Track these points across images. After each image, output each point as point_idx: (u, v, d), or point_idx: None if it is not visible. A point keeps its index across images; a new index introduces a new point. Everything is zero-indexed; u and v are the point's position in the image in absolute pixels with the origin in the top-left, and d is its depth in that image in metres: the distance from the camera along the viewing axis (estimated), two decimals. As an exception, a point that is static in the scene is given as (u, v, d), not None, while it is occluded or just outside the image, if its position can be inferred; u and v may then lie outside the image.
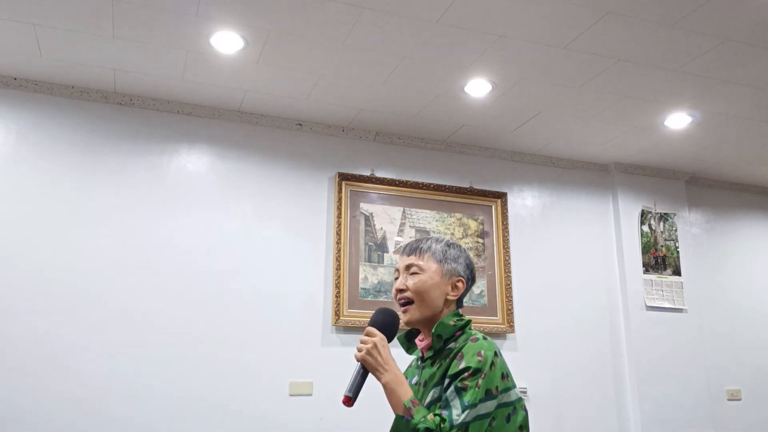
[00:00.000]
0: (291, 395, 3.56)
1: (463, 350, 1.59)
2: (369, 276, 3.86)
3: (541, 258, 4.34)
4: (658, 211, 4.65)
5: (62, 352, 3.22)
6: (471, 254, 4.06)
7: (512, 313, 4.10)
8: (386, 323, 1.68)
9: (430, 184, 4.13)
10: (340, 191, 3.90)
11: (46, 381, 3.16)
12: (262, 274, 3.66)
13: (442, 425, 1.48)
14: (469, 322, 1.71)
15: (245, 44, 3.10)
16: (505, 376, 1.60)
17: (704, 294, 4.71)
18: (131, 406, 3.27)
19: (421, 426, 1.48)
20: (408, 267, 1.74)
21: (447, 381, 1.56)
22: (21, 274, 3.24)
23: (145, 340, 3.36)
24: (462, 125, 4.02)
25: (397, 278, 1.77)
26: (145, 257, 3.46)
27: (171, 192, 3.61)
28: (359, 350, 1.62)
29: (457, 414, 1.49)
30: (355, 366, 1.63)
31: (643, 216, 4.60)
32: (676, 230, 4.66)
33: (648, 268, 4.50)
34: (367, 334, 1.64)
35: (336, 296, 3.72)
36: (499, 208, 4.27)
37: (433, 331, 1.67)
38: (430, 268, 1.72)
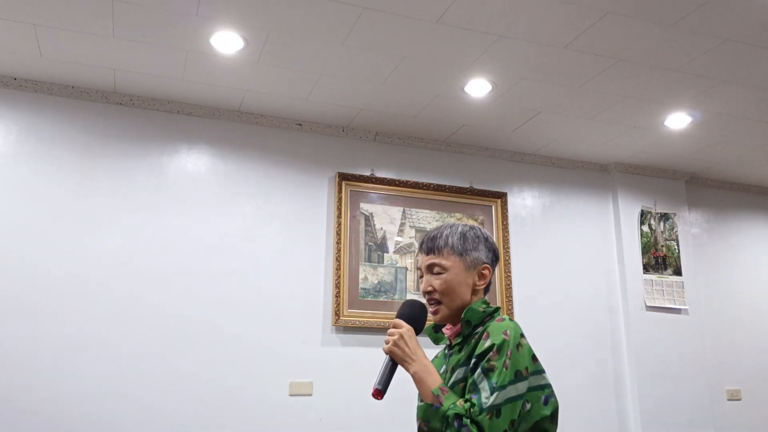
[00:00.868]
0: (291, 395, 3.56)
1: (488, 329, 1.56)
2: (369, 276, 3.86)
3: (541, 258, 4.34)
4: (658, 211, 4.65)
5: (62, 352, 3.22)
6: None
7: (512, 313, 4.10)
8: (413, 315, 1.67)
9: (430, 184, 4.13)
10: (340, 191, 3.90)
11: (46, 381, 3.16)
12: (262, 274, 3.66)
13: (471, 410, 1.44)
14: (497, 309, 1.68)
15: (245, 44, 3.10)
16: (535, 358, 1.56)
17: (704, 294, 4.71)
18: (131, 405, 3.27)
19: (451, 412, 1.45)
20: (430, 267, 1.69)
21: (474, 361, 1.53)
22: (21, 274, 3.24)
23: (144, 339, 3.36)
24: (462, 125, 4.02)
25: (421, 276, 1.73)
26: (145, 257, 3.46)
27: (171, 192, 3.61)
28: (387, 342, 1.61)
29: (486, 397, 1.45)
30: (383, 359, 1.62)
31: (643, 216, 4.60)
32: (676, 230, 4.66)
33: (648, 268, 4.50)
34: (394, 326, 1.63)
35: (336, 296, 3.72)
36: (499, 208, 4.27)
37: (462, 316, 1.64)
38: (452, 264, 1.67)
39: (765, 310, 4.92)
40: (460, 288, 1.67)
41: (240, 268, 3.63)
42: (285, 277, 3.71)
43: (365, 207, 3.97)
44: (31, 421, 3.10)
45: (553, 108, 3.79)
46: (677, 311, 4.49)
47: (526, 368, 1.52)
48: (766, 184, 5.15)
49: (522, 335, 1.56)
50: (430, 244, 1.71)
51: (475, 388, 1.48)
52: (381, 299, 3.84)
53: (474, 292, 1.69)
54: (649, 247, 4.54)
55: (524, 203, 4.41)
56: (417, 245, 1.87)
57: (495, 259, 1.74)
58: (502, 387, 1.46)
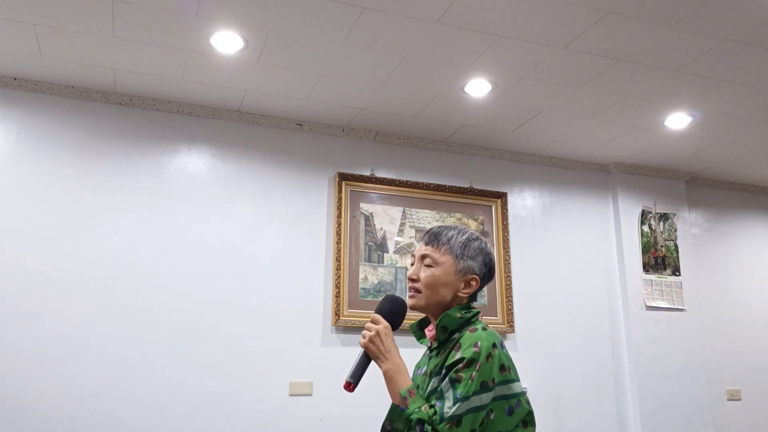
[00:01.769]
0: (291, 395, 3.56)
1: (461, 341, 1.57)
2: (369, 276, 3.86)
3: (541, 258, 4.34)
4: (658, 211, 4.65)
5: (62, 351, 3.22)
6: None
7: (512, 313, 4.10)
8: (393, 311, 1.68)
9: (430, 184, 4.13)
10: (340, 191, 3.90)
11: (46, 381, 3.16)
12: (262, 274, 3.66)
13: (433, 417, 1.48)
14: (476, 314, 1.68)
15: (245, 44, 3.10)
16: (506, 368, 1.56)
17: (704, 294, 4.71)
18: (131, 406, 3.27)
19: (414, 416, 1.48)
20: (423, 257, 1.70)
21: (444, 372, 1.56)
22: (21, 274, 3.24)
23: (145, 339, 3.36)
24: (462, 125, 4.02)
25: (412, 263, 1.75)
26: (145, 257, 3.46)
27: (171, 192, 3.61)
28: (363, 336, 1.63)
29: (448, 406, 1.48)
30: (358, 352, 1.64)
31: (643, 216, 4.60)
32: (676, 230, 4.66)
33: (648, 268, 4.50)
34: (373, 321, 1.64)
35: (336, 296, 3.72)
36: (499, 208, 4.27)
37: (437, 323, 1.66)
38: (444, 262, 1.68)
39: (765, 310, 4.92)
40: (444, 287, 1.67)
41: (240, 268, 3.63)
42: (285, 277, 3.71)
43: (365, 207, 3.97)
44: (31, 422, 3.10)
45: (553, 108, 3.79)
46: (677, 311, 4.49)
47: (493, 379, 1.52)
48: (766, 184, 5.15)
49: (494, 345, 1.55)
50: (433, 237, 1.72)
51: (441, 396, 1.51)
52: (381, 299, 3.83)
53: (456, 297, 1.69)
54: (649, 247, 4.54)
55: (524, 203, 4.41)
56: (417, 244, 1.85)
57: (488, 275, 1.74)
58: (466, 398, 1.48)
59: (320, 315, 3.72)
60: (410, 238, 4.01)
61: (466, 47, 3.14)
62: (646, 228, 4.58)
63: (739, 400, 4.62)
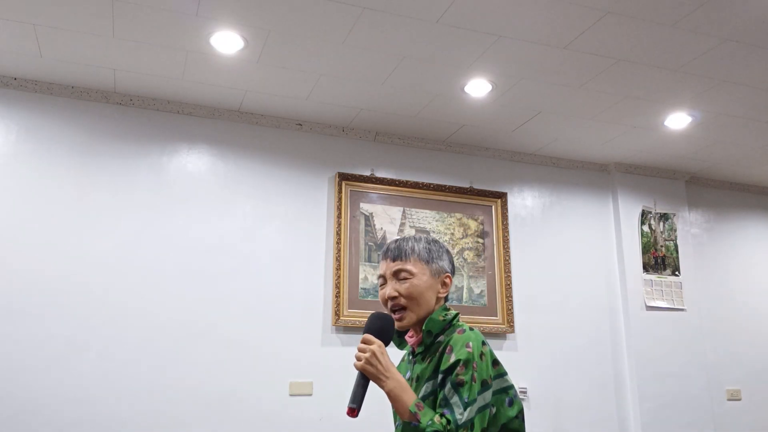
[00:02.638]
0: (291, 395, 3.56)
1: (451, 343, 1.59)
2: (369, 276, 3.86)
3: (541, 258, 4.34)
4: (658, 211, 4.65)
5: (62, 351, 3.22)
6: (471, 254, 4.10)
7: (512, 313, 4.10)
8: (383, 328, 1.66)
9: (430, 184, 4.13)
10: (340, 191, 3.90)
11: (46, 381, 3.16)
12: (262, 274, 3.66)
13: (448, 427, 1.49)
14: (456, 315, 1.71)
15: (245, 44, 3.10)
16: (496, 362, 1.62)
17: (704, 294, 4.71)
18: (131, 405, 3.27)
19: (429, 430, 1.49)
20: (396, 273, 1.70)
21: (441, 376, 1.57)
22: (21, 274, 3.24)
23: (145, 339, 3.36)
24: (462, 125, 4.02)
25: (382, 284, 1.74)
26: (145, 257, 3.46)
27: (171, 192, 3.61)
28: (358, 359, 1.60)
29: (459, 413, 1.50)
30: (355, 375, 1.61)
31: (643, 216, 4.60)
32: (676, 230, 4.66)
33: (648, 268, 4.50)
34: (364, 342, 1.62)
35: (336, 296, 3.72)
36: (499, 208, 4.27)
37: (423, 327, 1.67)
38: (419, 270, 1.70)
39: (765, 310, 4.92)
40: (427, 293, 1.69)
41: (240, 268, 3.63)
42: (285, 277, 3.71)
43: (365, 207, 3.97)
44: (31, 421, 3.10)
45: (553, 108, 3.79)
46: (677, 311, 4.49)
47: (490, 376, 1.58)
48: (766, 184, 5.15)
49: (483, 342, 1.60)
50: (396, 251, 1.73)
51: (447, 404, 1.52)
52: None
53: (437, 300, 1.72)
54: (648, 247, 4.54)
55: (524, 203, 4.41)
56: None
57: (454, 270, 1.79)
58: (473, 400, 1.51)
59: (320, 315, 3.72)
60: (410, 238, 4.00)
61: (466, 47, 3.14)
62: (646, 228, 4.58)
63: (739, 400, 4.62)
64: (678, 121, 3.92)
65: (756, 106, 3.74)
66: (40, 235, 3.31)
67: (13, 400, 3.10)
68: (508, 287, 4.13)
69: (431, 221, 4.10)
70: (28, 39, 3.07)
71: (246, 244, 3.68)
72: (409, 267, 1.70)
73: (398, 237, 1.80)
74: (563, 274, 4.36)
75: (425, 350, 1.69)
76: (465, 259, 4.11)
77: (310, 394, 3.59)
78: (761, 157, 4.53)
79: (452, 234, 4.12)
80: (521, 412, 1.64)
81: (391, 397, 1.58)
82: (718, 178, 4.99)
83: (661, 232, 4.61)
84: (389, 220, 4.00)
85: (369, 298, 3.81)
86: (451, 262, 1.78)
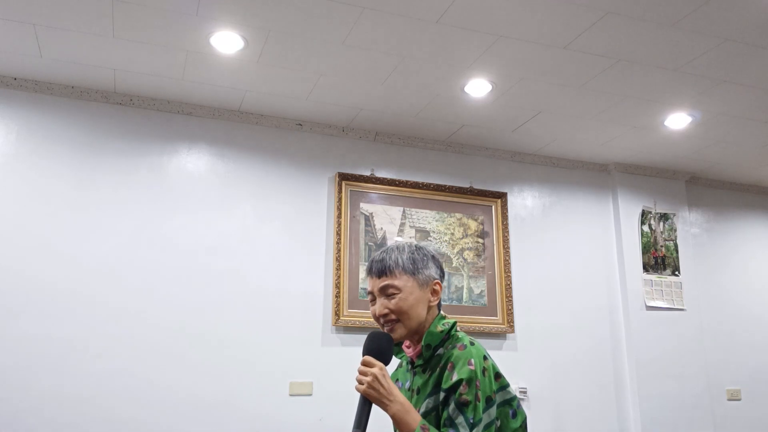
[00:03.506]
0: (291, 395, 3.56)
1: (452, 360, 1.57)
2: (369, 276, 3.85)
3: (541, 258, 4.34)
4: (658, 211, 4.65)
5: (62, 351, 3.22)
6: (471, 254, 4.09)
7: (512, 313, 4.10)
8: (381, 349, 1.63)
9: (430, 184, 4.13)
10: (340, 191, 3.90)
11: (45, 381, 3.16)
12: (262, 274, 3.66)
13: None
14: (454, 324, 1.69)
15: (245, 44, 3.10)
16: (498, 376, 1.61)
17: (704, 294, 4.71)
18: (131, 406, 3.27)
19: None
20: (383, 289, 1.68)
21: (443, 395, 1.55)
22: (21, 274, 3.24)
23: (145, 340, 3.36)
24: (462, 125, 4.02)
25: (372, 300, 1.72)
26: (145, 257, 3.46)
27: (171, 192, 3.61)
28: (360, 382, 1.58)
29: None
30: (357, 399, 1.59)
31: (643, 216, 4.60)
32: (675, 230, 4.66)
33: (648, 268, 4.50)
34: (365, 364, 1.59)
35: (336, 296, 3.72)
36: (499, 208, 4.27)
37: (422, 342, 1.66)
38: (406, 284, 1.67)
39: (765, 309, 4.92)
40: (417, 306, 1.67)
41: (240, 268, 3.63)
42: (285, 277, 3.71)
43: (365, 207, 3.97)
44: (31, 421, 3.10)
45: (553, 108, 3.79)
46: (677, 311, 4.49)
47: (494, 391, 1.57)
48: (766, 184, 5.15)
49: (485, 357, 1.59)
50: (379, 266, 1.71)
51: (453, 424, 1.51)
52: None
53: (428, 309, 1.69)
54: (648, 247, 4.54)
55: (524, 203, 4.41)
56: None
57: (443, 275, 1.76)
58: (479, 420, 1.51)
59: (320, 315, 3.72)
60: (410, 238, 4.01)
61: (466, 47, 3.14)
62: (646, 228, 4.57)
63: (739, 400, 4.62)
64: (678, 121, 3.92)
65: (756, 106, 3.74)
66: (39, 235, 3.31)
67: (13, 400, 3.10)
68: (508, 287, 4.13)
69: (431, 221, 4.10)
70: (28, 39, 3.06)
71: (246, 244, 3.68)
72: (396, 283, 1.67)
73: (382, 248, 1.77)
74: (563, 274, 4.36)
75: (425, 363, 1.68)
76: (465, 259, 4.11)
77: (310, 394, 3.59)
78: (761, 157, 4.53)
79: (452, 234, 4.12)
80: (525, 421, 1.64)
81: (396, 419, 1.55)
82: (718, 178, 4.99)
83: (661, 232, 4.61)
84: (389, 220, 4.00)
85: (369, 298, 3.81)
86: (439, 267, 1.75)
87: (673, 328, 4.44)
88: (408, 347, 1.74)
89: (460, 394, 1.52)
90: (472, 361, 1.55)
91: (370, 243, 3.92)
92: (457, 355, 1.57)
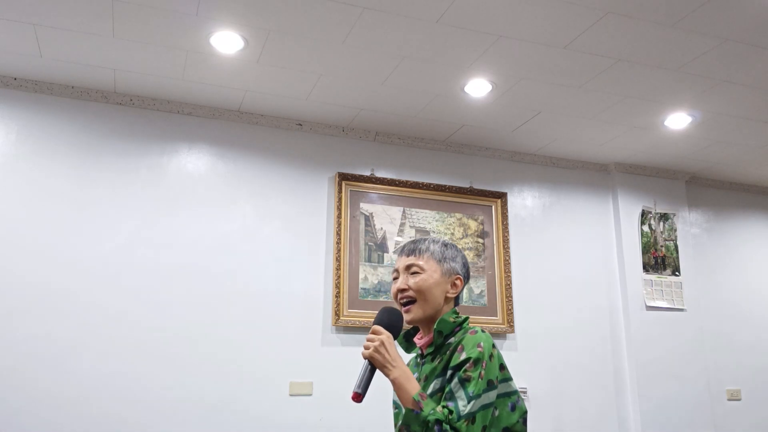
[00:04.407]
0: (291, 395, 3.56)
1: (463, 342, 1.64)
2: (369, 276, 3.86)
3: (541, 258, 4.34)
4: (658, 211, 4.65)
5: (61, 352, 3.22)
6: (471, 254, 4.09)
7: (512, 313, 4.10)
8: (392, 322, 1.72)
9: (430, 184, 4.13)
10: (340, 191, 3.90)
11: (44, 381, 3.16)
12: (262, 274, 3.66)
13: (450, 416, 1.53)
14: (467, 318, 1.77)
15: (245, 44, 3.10)
16: (503, 367, 1.66)
17: (704, 294, 4.71)
18: (130, 406, 3.27)
19: (431, 417, 1.52)
20: (408, 267, 1.79)
21: (450, 372, 1.61)
22: (20, 274, 3.24)
23: (144, 340, 3.36)
24: (462, 125, 4.02)
25: (395, 278, 1.82)
26: (145, 257, 3.46)
27: (171, 192, 3.61)
28: (366, 348, 1.66)
29: (463, 405, 1.54)
30: (362, 363, 1.66)
31: (643, 216, 4.60)
32: (675, 230, 4.66)
33: (648, 268, 4.50)
34: (373, 332, 1.68)
35: (336, 296, 3.72)
36: (499, 208, 4.27)
37: (435, 327, 1.73)
38: (430, 267, 1.77)
39: (765, 309, 4.92)
40: (435, 290, 1.76)
41: (240, 268, 3.63)
42: (285, 277, 3.71)
43: (365, 207, 3.97)
44: (30, 422, 3.10)
45: (553, 108, 3.79)
46: (677, 311, 4.49)
47: (497, 378, 1.61)
48: (766, 184, 5.15)
49: (493, 345, 1.65)
50: (411, 246, 1.83)
51: (452, 397, 1.57)
52: (381, 299, 3.84)
53: (446, 300, 1.78)
54: (648, 247, 4.54)
55: (524, 203, 4.41)
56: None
57: (467, 275, 1.86)
58: (478, 396, 1.56)
59: (320, 315, 3.72)
60: (410, 238, 4.01)
61: (466, 47, 3.14)
62: (646, 228, 4.58)
63: (739, 400, 4.62)
64: (678, 121, 3.92)
65: (756, 106, 3.74)
66: (39, 235, 3.31)
67: (13, 400, 3.10)
68: (508, 287, 4.13)
69: (431, 221, 4.10)
70: (28, 39, 3.07)
71: (246, 243, 3.68)
72: (420, 263, 1.78)
73: (420, 237, 1.88)
74: (563, 274, 4.36)
75: (435, 351, 1.74)
76: (465, 259, 4.10)
77: (310, 394, 3.59)
78: (761, 157, 4.53)
79: (452, 234, 4.12)
80: (524, 416, 1.67)
81: (396, 384, 1.62)
82: (718, 178, 4.99)
83: (661, 232, 4.61)
84: (389, 220, 4.00)
85: (369, 298, 3.82)
86: (465, 267, 1.84)
87: (673, 328, 4.44)
88: (420, 338, 1.81)
89: (465, 371, 1.58)
90: (482, 344, 1.61)
91: (370, 243, 3.92)
92: (468, 338, 1.64)
